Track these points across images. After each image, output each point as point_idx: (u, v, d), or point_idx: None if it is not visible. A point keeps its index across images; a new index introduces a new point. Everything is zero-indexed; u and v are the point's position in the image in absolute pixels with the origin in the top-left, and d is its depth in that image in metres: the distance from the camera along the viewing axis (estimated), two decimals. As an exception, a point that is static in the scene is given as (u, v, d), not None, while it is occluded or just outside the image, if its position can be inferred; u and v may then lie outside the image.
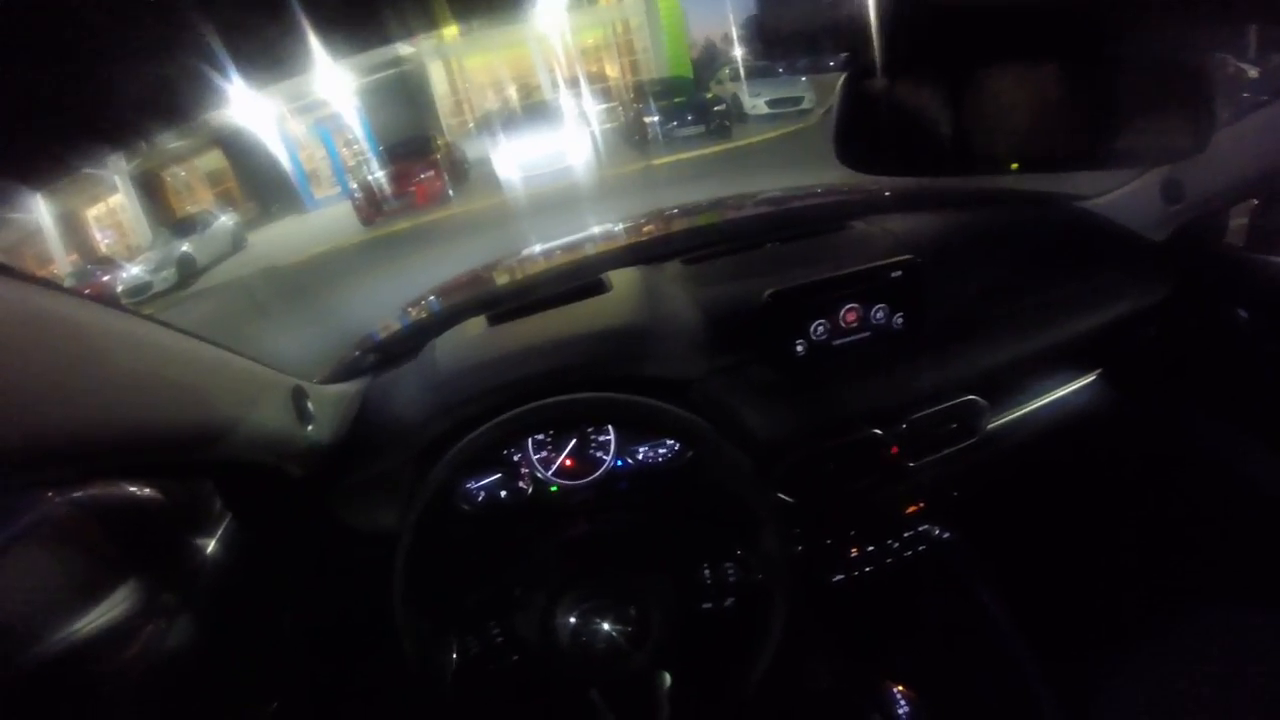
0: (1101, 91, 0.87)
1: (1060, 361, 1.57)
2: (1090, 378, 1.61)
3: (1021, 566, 1.65)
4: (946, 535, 1.53)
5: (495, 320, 1.47)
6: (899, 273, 1.37)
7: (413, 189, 13.85)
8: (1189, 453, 1.64)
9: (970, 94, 0.83)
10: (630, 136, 15.28)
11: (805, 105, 13.94)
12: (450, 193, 14.17)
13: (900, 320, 1.40)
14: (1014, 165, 0.87)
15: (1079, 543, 1.67)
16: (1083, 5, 0.78)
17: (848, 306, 1.36)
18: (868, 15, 0.75)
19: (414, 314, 1.80)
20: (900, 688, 1.51)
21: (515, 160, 13.05)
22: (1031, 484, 1.66)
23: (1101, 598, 1.58)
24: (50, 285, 0.66)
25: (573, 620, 1.11)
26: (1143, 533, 1.64)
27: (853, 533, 1.50)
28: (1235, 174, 1.40)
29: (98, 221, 19.55)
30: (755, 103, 14.39)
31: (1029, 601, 1.59)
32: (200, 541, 1.18)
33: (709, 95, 15.06)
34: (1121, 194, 1.61)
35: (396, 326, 1.67)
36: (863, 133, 0.85)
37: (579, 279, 1.54)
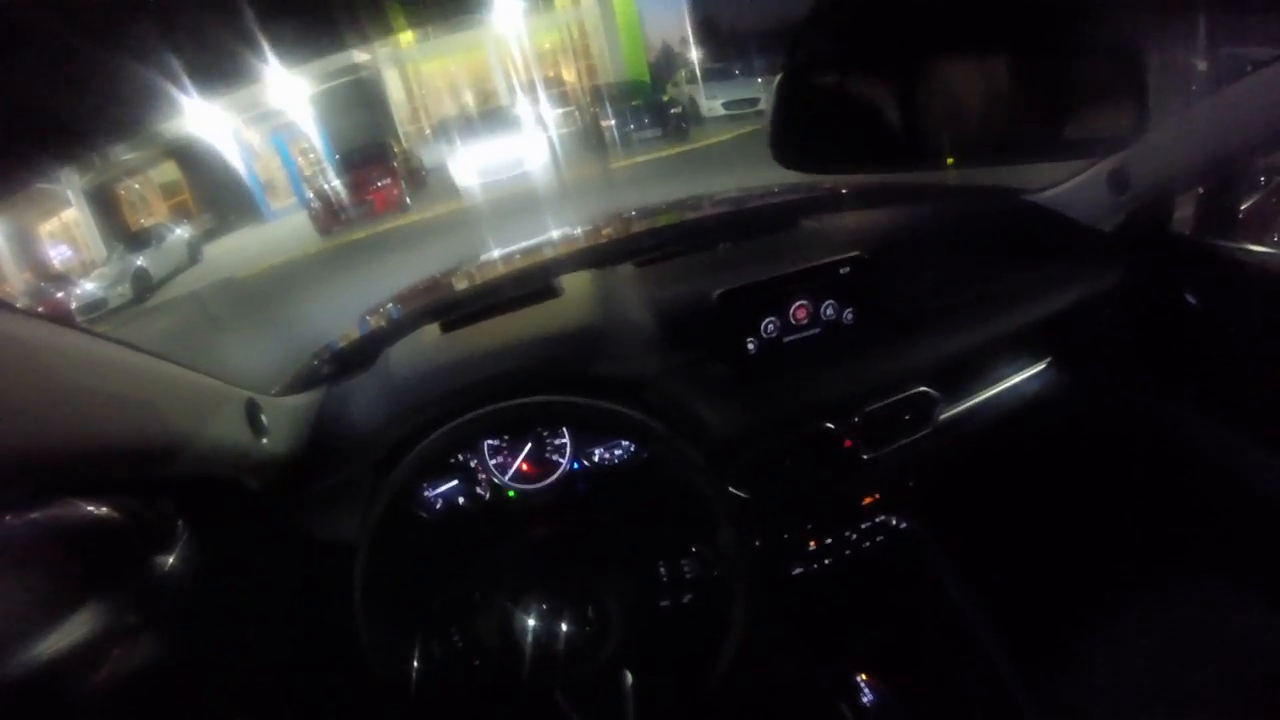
0: (1041, 82, 0.89)
1: (1012, 350, 1.60)
2: (1042, 365, 1.64)
3: (981, 552, 1.68)
4: (905, 525, 1.56)
5: (448, 327, 1.47)
6: (847, 269, 1.40)
7: (370, 197, 13.75)
8: (1141, 435, 1.68)
9: (910, 88, 0.84)
10: (588, 140, 15.25)
11: (761, 106, 13.92)
12: (408, 200, 14.07)
13: (850, 315, 1.43)
14: (950, 160, 0.89)
15: (1036, 527, 1.70)
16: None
17: (798, 303, 1.39)
18: (802, 10, 0.77)
19: (371, 322, 1.79)
20: (865, 676, 1.54)
21: (473, 166, 13.02)
22: (987, 470, 1.70)
23: (1060, 581, 1.62)
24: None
25: (532, 622, 1.12)
26: (1098, 515, 1.68)
27: (810, 525, 1.52)
28: (1181, 163, 1.43)
29: (50, 237, 19.08)
30: (712, 104, 14.43)
31: (990, 587, 1.63)
32: (161, 558, 1.17)
33: (666, 98, 15.10)
34: (1069, 186, 1.64)
35: (355, 335, 1.67)
36: (799, 131, 0.86)
37: (532, 284, 1.55)
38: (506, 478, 1.35)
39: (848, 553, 1.53)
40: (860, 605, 1.67)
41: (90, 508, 1.11)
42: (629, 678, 1.17)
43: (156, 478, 0.97)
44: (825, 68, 0.83)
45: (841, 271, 1.40)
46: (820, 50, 0.82)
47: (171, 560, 1.17)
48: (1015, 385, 1.60)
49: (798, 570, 1.51)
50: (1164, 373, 1.64)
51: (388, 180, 14.11)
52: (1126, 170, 1.50)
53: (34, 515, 1.05)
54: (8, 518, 1.04)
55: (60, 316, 12.51)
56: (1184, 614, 1.53)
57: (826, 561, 1.52)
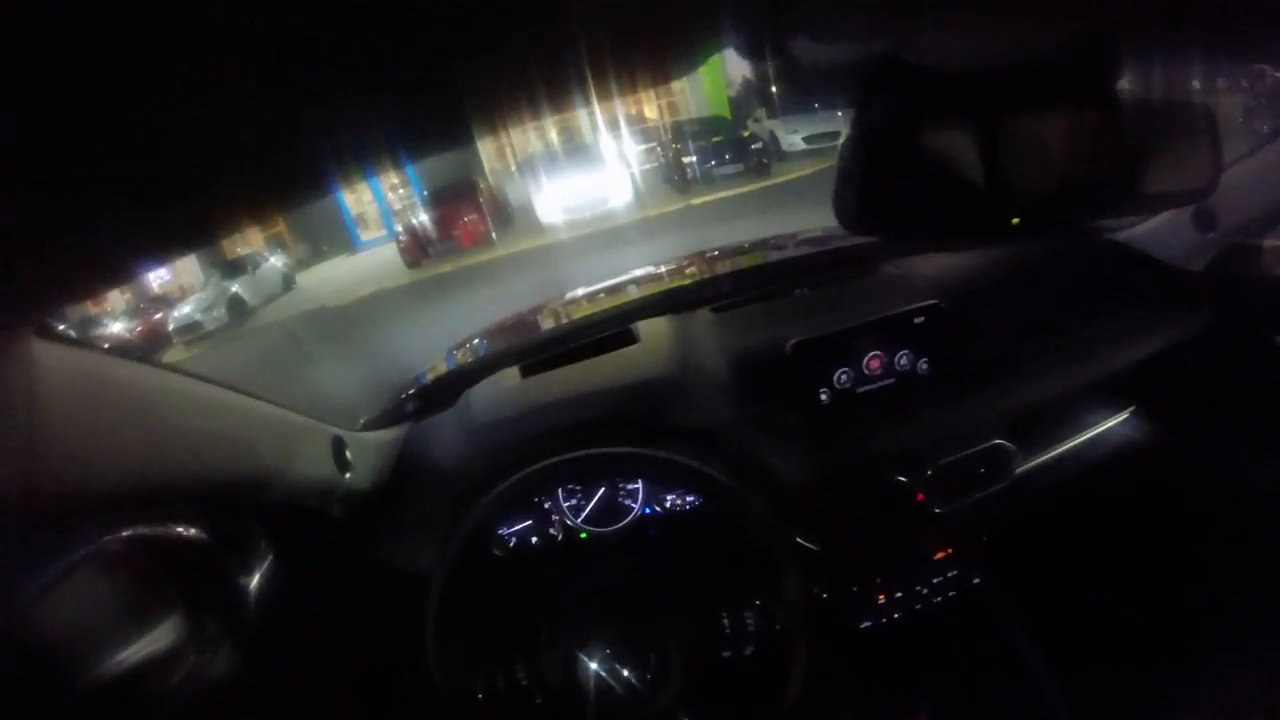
0: (1111, 139, 0.88)
1: (1094, 399, 1.56)
2: (1125, 415, 1.59)
3: (1052, 608, 1.63)
4: (977, 580, 1.52)
5: (529, 371, 1.51)
6: (923, 318, 1.39)
7: (457, 232, 14.02)
8: (1231, 487, 1.61)
9: (977, 149, 0.84)
10: (670, 176, 15.26)
11: (842, 140, 13.66)
12: (494, 235, 14.31)
13: (926, 365, 1.41)
14: (1015, 220, 0.88)
15: (1116, 584, 1.64)
16: (1094, 51, 0.79)
17: (872, 354, 1.38)
18: (875, 70, 0.78)
19: (456, 359, 1.85)
20: None
21: (557, 202, 13.23)
22: (1064, 523, 1.65)
23: (1139, 643, 1.56)
24: (102, 349, 0.70)
25: (595, 664, 1.14)
26: (1177, 572, 1.61)
27: (880, 579, 1.50)
28: (1270, 199, 1.39)
29: (152, 261, 19.80)
30: (792, 139, 14.28)
31: (1060, 644, 1.57)
32: (245, 577, 1.23)
33: (746, 133, 14.96)
34: (1153, 224, 1.60)
35: (441, 370, 1.72)
36: (863, 192, 0.86)
37: (611, 330, 1.58)
38: (580, 520, 1.37)
39: (918, 607, 1.50)
40: (925, 658, 1.63)
41: (180, 527, 1.17)
42: None
43: (243, 507, 1.02)
44: (890, 132, 0.84)
45: (916, 321, 1.39)
46: (885, 114, 0.82)
47: (254, 580, 1.22)
48: (1096, 436, 1.56)
49: (866, 624, 1.48)
50: (1255, 420, 1.57)
51: (474, 216, 14.35)
52: (1213, 207, 1.46)
53: (127, 532, 1.11)
54: (102, 530, 1.11)
55: (158, 338, 13.04)
56: (1264, 676, 1.45)
57: (896, 615, 1.49)
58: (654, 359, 1.45)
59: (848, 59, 0.76)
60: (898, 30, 0.68)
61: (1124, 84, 0.87)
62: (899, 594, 1.49)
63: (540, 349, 1.60)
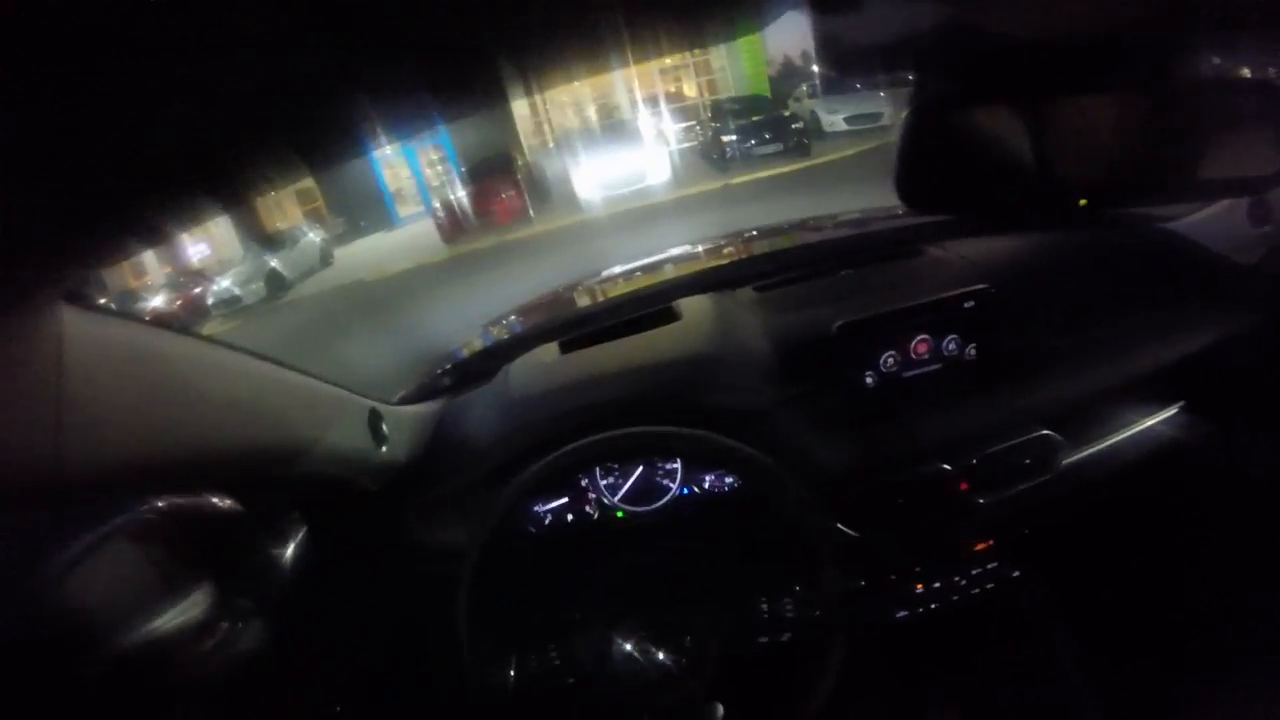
0: (1174, 120, 0.85)
1: (1142, 393, 1.51)
2: (1174, 410, 1.54)
3: (1092, 606, 1.59)
4: (1016, 574, 1.49)
5: (568, 347, 1.49)
6: (972, 303, 1.35)
7: (494, 208, 14.06)
8: (1271, 490, 1.56)
9: (1038, 127, 0.81)
10: (708, 155, 15.16)
11: (884, 121, 13.52)
12: (531, 211, 14.32)
13: (973, 351, 1.38)
14: (1082, 201, 0.85)
15: (1158, 584, 1.60)
16: (1158, 30, 0.76)
17: (919, 338, 1.35)
18: (935, 46, 0.75)
19: (494, 334, 1.84)
20: None
21: (595, 179, 13.22)
22: (1109, 522, 1.60)
23: (1171, 642, 1.52)
24: (136, 318, 0.70)
25: (629, 646, 1.13)
26: (1230, 578, 1.56)
27: (919, 569, 1.47)
28: None
29: (190, 235, 20.15)
30: (833, 119, 14.08)
31: (1098, 644, 1.54)
32: (277, 549, 1.23)
33: (786, 113, 14.77)
34: (1207, 215, 1.55)
35: (479, 345, 1.71)
36: (926, 170, 0.84)
37: (651, 306, 1.55)
38: (616, 499, 1.36)
39: (955, 599, 1.47)
40: (961, 654, 1.60)
41: (213, 498, 1.18)
42: (720, 710, 1.15)
43: (280, 478, 1.02)
44: (952, 107, 0.81)
45: (966, 305, 1.35)
46: (947, 89, 0.80)
47: (287, 552, 1.23)
48: (1143, 431, 1.50)
49: (902, 614, 1.46)
50: None
51: (511, 192, 14.38)
52: (1269, 198, 1.41)
53: (160, 502, 1.12)
54: (135, 501, 1.12)
55: (196, 311, 13.25)
56: None
57: (933, 606, 1.46)
58: (695, 337, 1.43)
59: (898, 36, 0.73)
60: (954, 7, 0.65)
61: (1191, 65, 0.83)
62: (937, 585, 1.46)
63: (581, 324, 1.59)
